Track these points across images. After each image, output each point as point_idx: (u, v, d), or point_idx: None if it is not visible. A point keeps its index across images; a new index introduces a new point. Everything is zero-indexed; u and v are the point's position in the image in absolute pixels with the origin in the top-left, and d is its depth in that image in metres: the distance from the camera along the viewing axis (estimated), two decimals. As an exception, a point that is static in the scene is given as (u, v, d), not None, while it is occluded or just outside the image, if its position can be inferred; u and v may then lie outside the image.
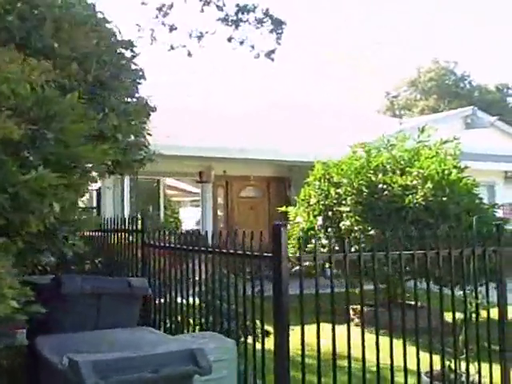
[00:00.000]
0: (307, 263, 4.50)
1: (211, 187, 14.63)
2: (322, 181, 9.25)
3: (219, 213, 15.07)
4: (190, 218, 19.03)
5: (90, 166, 4.11)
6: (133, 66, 5.40)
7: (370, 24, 66.88)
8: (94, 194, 13.78)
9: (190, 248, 5.36)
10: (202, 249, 5.22)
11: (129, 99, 5.27)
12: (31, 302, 4.09)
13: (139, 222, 6.59)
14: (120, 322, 4.35)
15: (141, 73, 5.55)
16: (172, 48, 8.28)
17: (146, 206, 14.37)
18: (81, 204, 14.57)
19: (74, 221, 3.92)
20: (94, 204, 13.85)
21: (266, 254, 4.46)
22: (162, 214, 14.47)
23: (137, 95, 5.41)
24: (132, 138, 4.99)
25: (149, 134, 5.82)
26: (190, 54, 8.40)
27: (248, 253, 4.69)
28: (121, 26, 6.13)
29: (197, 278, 5.37)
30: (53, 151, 3.73)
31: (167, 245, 5.80)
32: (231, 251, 4.88)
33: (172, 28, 8.21)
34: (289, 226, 9.65)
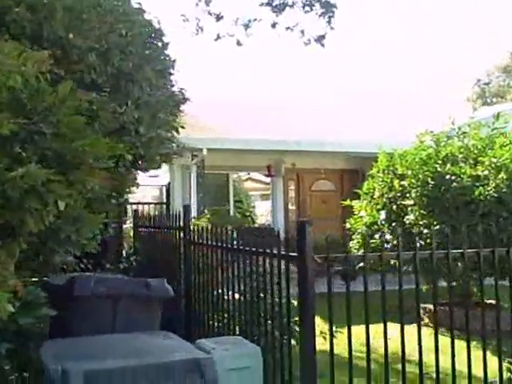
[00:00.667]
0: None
1: (281, 181, 14.30)
2: (386, 173, 8.71)
3: (290, 207, 14.71)
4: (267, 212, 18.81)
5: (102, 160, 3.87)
6: (162, 57, 5.15)
7: (459, 7, 63.65)
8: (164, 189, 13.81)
9: (219, 245, 5.08)
10: (229, 246, 4.91)
11: (158, 91, 5.02)
12: (41, 305, 3.94)
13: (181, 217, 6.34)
14: (139, 326, 4.12)
15: (171, 63, 5.29)
16: (218, 37, 7.94)
17: (215, 200, 14.23)
18: (150, 199, 14.69)
19: (77, 219, 3.69)
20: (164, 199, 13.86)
21: (291, 254, 4.09)
22: (231, 209, 14.28)
23: (168, 87, 5.15)
24: (158, 131, 4.73)
25: (182, 127, 5.56)
26: (239, 43, 8.04)
27: (275, 252, 4.33)
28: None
29: (230, 278, 5.07)
30: (49, 146, 3.52)
31: (204, 242, 5.54)
32: (260, 250, 4.53)
33: (219, 17, 7.88)
34: (353, 221, 9.20)
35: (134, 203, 13.41)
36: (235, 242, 4.90)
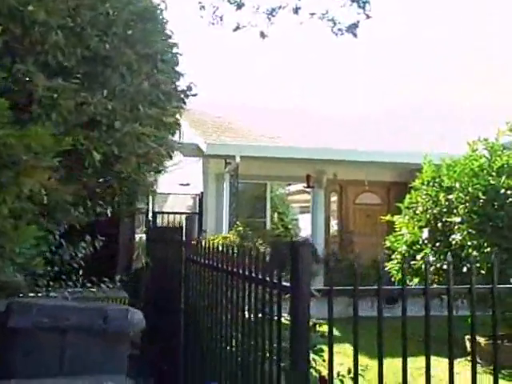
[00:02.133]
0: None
1: (323, 193, 13.33)
2: (431, 185, 7.67)
3: (332, 221, 13.71)
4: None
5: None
6: (152, 38, 4.34)
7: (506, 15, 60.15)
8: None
9: (213, 265, 4.24)
10: (223, 267, 4.06)
11: (142, 79, 4.21)
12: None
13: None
14: (94, 368, 3.29)
15: (167, 47, 4.46)
16: (238, 28, 6.96)
17: (252, 212, 13.39)
18: (182, 209, 13.96)
19: (4, 233, 2.91)
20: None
21: (284, 284, 3.20)
22: (268, 221, 13.38)
23: (156, 75, 4.32)
24: (134, 126, 3.90)
25: (178, 124, 4.73)
26: (263, 35, 7.04)
27: (267, 278, 3.43)
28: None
29: (224, 306, 4.20)
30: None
31: (201, 260, 4.71)
32: (252, 275, 3.64)
33: (239, 4, 6.91)
34: (393, 239, 8.19)
35: (160, 212, 12.75)
36: (229, 263, 4.04)
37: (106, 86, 3.99)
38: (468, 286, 3.34)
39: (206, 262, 4.43)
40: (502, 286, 3.41)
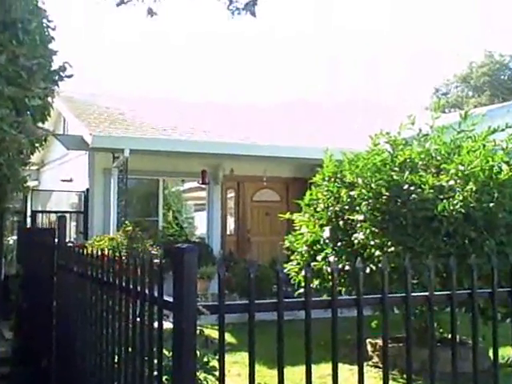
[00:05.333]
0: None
1: (219, 189, 12.75)
2: (332, 181, 7.25)
3: (229, 218, 13.16)
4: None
5: None
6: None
7: (418, 16, 62.71)
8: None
9: (86, 274, 3.54)
10: (92, 275, 3.37)
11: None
12: None
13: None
14: None
15: (40, 17, 3.69)
16: (122, 2, 6.03)
17: (144, 210, 12.61)
18: (67, 208, 12.93)
19: None
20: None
21: (167, 299, 2.55)
22: (160, 220, 12.61)
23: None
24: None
25: (45, 109, 3.96)
26: (151, 13, 6.21)
27: (146, 291, 2.77)
28: None
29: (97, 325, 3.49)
30: None
31: (69, 266, 3.98)
32: (130, 286, 2.97)
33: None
34: (292, 238, 7.73)
35: (40, 211, 11.71)
36: (103, 272, 3.34)
37: None
38: (379, 295, 2.83)
39: (78, 270, 3.71)
40: (415, 294, 2.94)
